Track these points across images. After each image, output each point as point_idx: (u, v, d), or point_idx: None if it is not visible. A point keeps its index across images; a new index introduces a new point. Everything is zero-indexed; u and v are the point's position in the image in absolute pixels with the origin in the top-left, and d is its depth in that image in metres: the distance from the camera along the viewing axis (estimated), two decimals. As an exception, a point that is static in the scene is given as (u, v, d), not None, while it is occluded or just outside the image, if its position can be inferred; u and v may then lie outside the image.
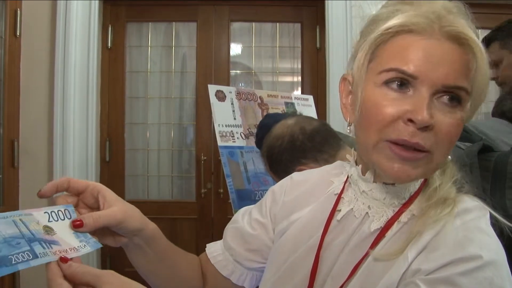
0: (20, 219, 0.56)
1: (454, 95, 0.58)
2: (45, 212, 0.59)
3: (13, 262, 0.51)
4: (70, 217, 0.61)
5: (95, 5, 2.60)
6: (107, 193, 0.66)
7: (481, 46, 0.58)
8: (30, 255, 0.53)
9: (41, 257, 0.54)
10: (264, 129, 1.64)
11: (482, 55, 0.58)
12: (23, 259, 0.52)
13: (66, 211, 0.62)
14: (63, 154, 2.51)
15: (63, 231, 0.59)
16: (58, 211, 0.61)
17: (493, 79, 1.56)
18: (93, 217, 0.62)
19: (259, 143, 1.67)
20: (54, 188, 0.62)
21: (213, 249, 0.84)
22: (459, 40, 0.57)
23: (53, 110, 2.52)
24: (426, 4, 0.59)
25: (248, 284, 0.82)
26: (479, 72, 0.59)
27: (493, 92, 3.04)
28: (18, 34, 2.49)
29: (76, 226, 0.60)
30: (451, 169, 0.65)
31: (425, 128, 0.56)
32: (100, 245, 0.62)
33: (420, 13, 0.58)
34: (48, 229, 0.58)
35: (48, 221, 0.59)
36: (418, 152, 0.57)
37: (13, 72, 2.47)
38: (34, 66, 2.54)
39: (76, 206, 0.65)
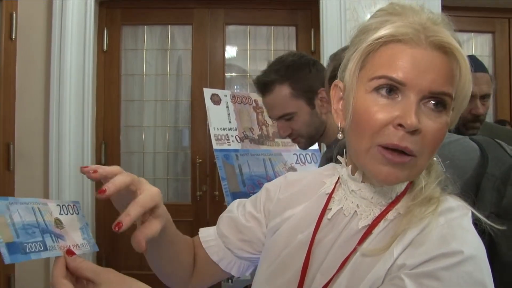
0: (38, 208, 0.59)
1: (440, 100, 0.61)
2: (57, 205, 0.62)
3: (27, 250, 0.54)
4: (78, 213, 0.65)
5: (91, 8, 2.61)
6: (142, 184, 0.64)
7: (463, 54, 0.62)
8: (42, 246, 0.56)
9: (50, 250, 0.57)
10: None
11: (465, 62, 0.62)
12: (35, 249, 0.55)
13: (74, 206, 0.64)
14: (58, 157, 2.51)
15: (70, 226, 0.63)
16: (68, 205, 0.64)
17: None
18: (114, 184, 0.60)
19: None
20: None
21: (206, 233, 0.88)
22: (443, 49, 0.61)
23: (49, 113, 2.52)
24: (412, 16, 0.63)
25: (236, 271, 0.86)
26: (462, 79, 0.63)
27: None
28: (13, 37, 2.50)
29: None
30: (436, 170, 0.69)
31: (414, 132, 0.59)
32: (97, 249, 0.65)
33: (408, 24, 0.62)
34: (58, 222, 0.61)
35: (59, 213, 0.62)
36: (405, 156, 0.60)
37: (8, 75, 2.48)
38: (29, 69, 2.55)
39: None
